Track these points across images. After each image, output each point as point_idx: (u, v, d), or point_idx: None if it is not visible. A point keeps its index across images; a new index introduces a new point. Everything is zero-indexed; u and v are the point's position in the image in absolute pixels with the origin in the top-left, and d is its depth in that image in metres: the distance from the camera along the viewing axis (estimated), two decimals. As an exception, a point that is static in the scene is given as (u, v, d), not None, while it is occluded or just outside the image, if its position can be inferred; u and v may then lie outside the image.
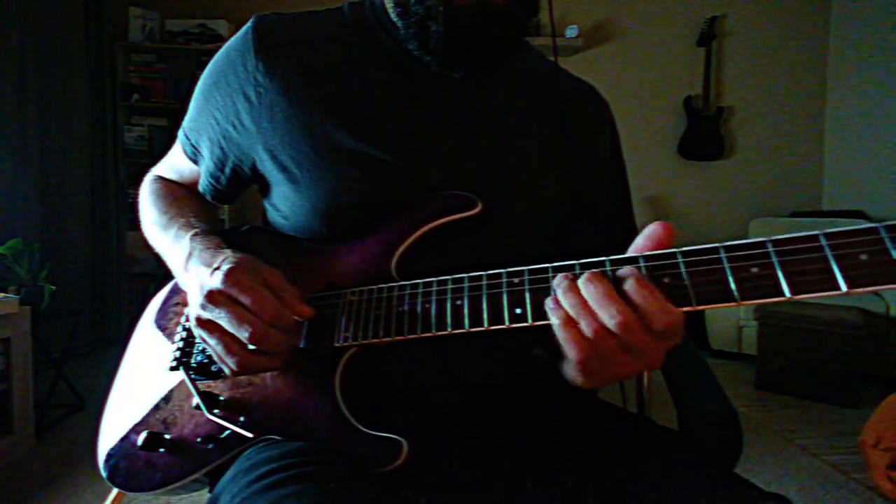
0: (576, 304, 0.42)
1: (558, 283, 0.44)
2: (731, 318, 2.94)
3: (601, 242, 0.51)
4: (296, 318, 0.53)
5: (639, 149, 3.64)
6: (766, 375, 2.57)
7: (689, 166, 3.70)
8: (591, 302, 0.42)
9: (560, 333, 0.43)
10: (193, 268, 0.57)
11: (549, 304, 0.44)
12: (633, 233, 0.45)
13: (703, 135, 3.61)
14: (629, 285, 0.42)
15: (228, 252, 0.56)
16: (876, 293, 2.73)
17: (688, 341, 0.71)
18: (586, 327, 0.42)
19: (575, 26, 3.48)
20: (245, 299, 0.51)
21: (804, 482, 1.71)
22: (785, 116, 3.75)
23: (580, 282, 0.43)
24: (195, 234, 0.62)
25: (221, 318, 0.51)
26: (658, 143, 3.69)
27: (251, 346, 0.51)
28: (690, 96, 3.64)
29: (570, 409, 0.65)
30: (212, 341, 0.52)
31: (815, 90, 3.74)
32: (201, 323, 0.52)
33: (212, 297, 0.51)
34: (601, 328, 0.42)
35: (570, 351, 0.43)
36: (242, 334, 0.50)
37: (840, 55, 3.65)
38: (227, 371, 0.53)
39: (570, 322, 0.43)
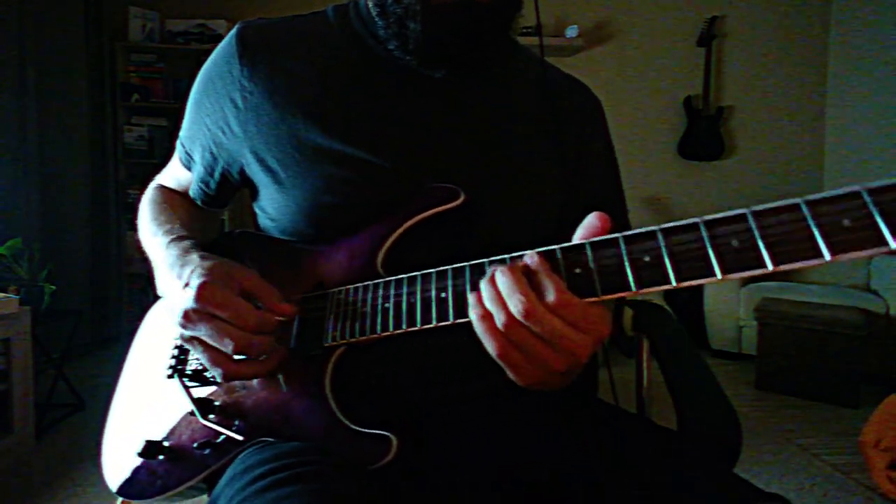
0: (492, 296, 0.43)
1: (485, 277, 0.45)
2: (731, 318, 2.93)
3: None
4: (280, 318, 0.53)
5: (639, 149, 3.64)
6: (766, 375, 2.57)
7: (689, 166, 3.70)
8: (502, 292, 0.43)
9: (477, 328, 0.44)
10: (168, 278, 0.57)
11: (471, 299, 0.45)
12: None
13: (703, 135, 3.61)
14: (530, 270, 0.43)
15: (196, 260, 0.56)
16: (876, 293, 2.73)
17: (687, 341, 0.71)
18: (498, 319, 0.43)
19: (575, 26, 3.47)
20: (222, 314, 0.50)
21: (804, 482, 1.71)
22: (785, 116, 3.74)
23: (496, 274, 0.44)
24: (171, 241, 0.62)
25: (202, 335, 0.51)
26: (658, 143, 3.69)
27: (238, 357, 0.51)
28: (690, 96, 3.63)
29: (569, 408, 0.65)
30: (198, 354, 0.52)
31: (815, 90, 3.74)
32: (185, 339, 0.52)
33: (188, 317, 0.50)
34: (511, 318, 0.42)
35: (489, 345, 0.44)
36: (226, 348, 0.50)
37: (840, 55, 3.65)
38: (218, 378, 0.53)
39: (486, 316, 0.43)
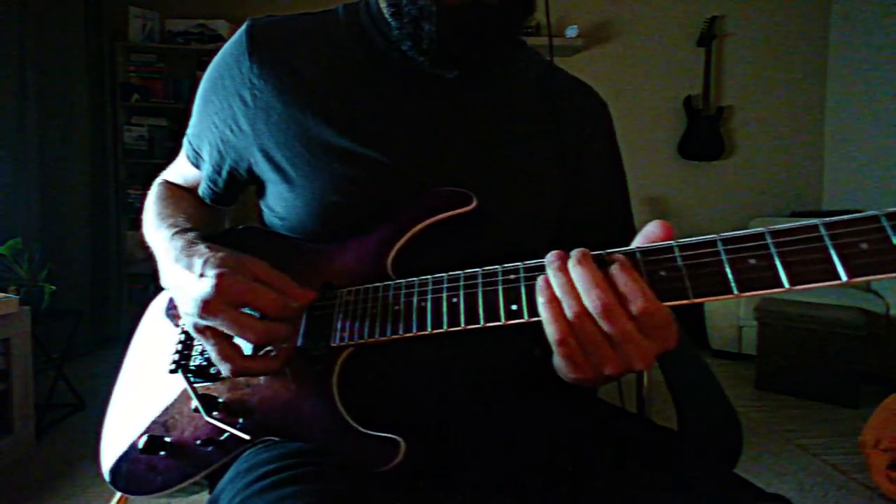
0: (563, 283, 0.43)
1: (551, 261, 0.44)
2: (731, 318, 2.93)
3: (600, 242, 0.51)
4: (295, 305, 0.53)
5: (639, 149, 3.64)
6: (766, 375, 2.57)
7: (689, 166, 3.70)
8: (577, 283, 0.42)
9: (543, 312, 0.44)
10: (176, 270, 0.57)
11: (539, 282, 0.45)
12: (632, 233, 0.45)
13: (703, 135, 3.61)
14: (614, 269, 0.42)
15: (206, 251, 0.55)
16: (876, 293, 2.73)
17: (687, 341, 0.71)
18: (569, 308, 0.42)
19: (575, 26, 3.47)
20: (246, 302, 0.50)
21: (804, 482, 1.71)
22: (785, 116, 3.74)
23: (570, 262, 0.43)
24: (175, 234, 0.62)
25: (222, 326, 0.50)
26: (658, 143, 3.69)
27: (252, 348, 0.51)
28: (690, 96, 3.63)
29: (570, 408, 0.65)
30: (209, 346, 0.52)
31: (815, 90, 3.74)
32: (198, 329, 0.52)
33: (208, 307, 0.50)
34: (583, 311, 0.42)
35: (550, 330, 0.43)
36: (248, 338, 0.50)
37: (840, 55, 3.65)
38: (225, 373, 0.53)
39: (554, 300, 0.43)
